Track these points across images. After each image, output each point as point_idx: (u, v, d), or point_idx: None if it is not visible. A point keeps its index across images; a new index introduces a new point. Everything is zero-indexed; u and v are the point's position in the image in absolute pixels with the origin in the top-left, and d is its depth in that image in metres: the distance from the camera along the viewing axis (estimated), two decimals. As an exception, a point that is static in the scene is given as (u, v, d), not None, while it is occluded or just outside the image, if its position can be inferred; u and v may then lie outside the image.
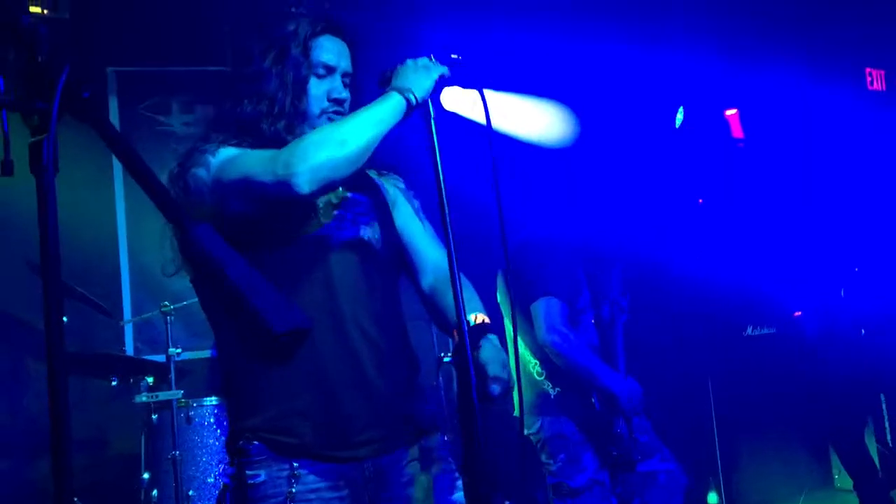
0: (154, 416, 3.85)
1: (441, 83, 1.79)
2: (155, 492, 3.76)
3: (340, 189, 1.86)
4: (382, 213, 1.95)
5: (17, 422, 4.41)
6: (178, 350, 4.00)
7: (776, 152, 5.63)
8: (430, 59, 1.80)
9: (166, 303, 3.99)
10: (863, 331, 3.96)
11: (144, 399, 3.86)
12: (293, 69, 1.85)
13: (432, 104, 1.78)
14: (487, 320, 1.82)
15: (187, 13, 4.35)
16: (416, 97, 1.75)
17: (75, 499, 3.59)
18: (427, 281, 1.96)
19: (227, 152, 1.76)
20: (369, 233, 1.87)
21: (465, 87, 1.84)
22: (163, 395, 3.85)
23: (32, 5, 4.01)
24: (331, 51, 1.91)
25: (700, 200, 5.43)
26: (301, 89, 1.86)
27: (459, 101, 4.11)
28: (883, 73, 5.84)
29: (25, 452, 4.35)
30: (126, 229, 4.74)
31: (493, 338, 1.78)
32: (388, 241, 1.92)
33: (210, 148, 1.77)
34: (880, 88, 5.83)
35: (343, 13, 2.01)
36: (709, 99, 5.80)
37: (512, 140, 4.66)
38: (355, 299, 1.81)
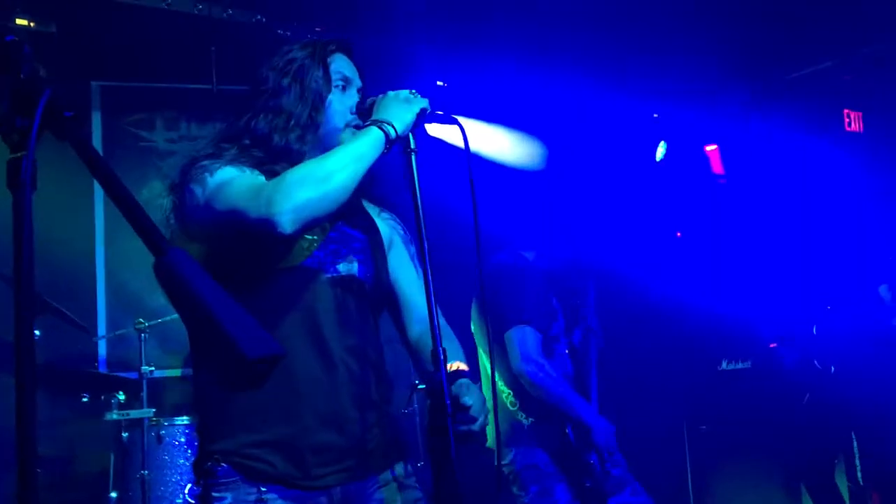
0: (124, 434, 3.81)
1: (422, 116, 1.80)
2: (122, 511, 3.72)
3: (340, 222, 1.87)
4: (376, 252, 1.96)
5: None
6: (152, 368, 3.98)
7: (755, 189, 5.71)
8: (412, 93, 1.82)
9: (141, 320, 3.97)
10: (832, 368, 4.00)
11: (115, 417, 3.82)
12: (312, 83, 1.88)
13: (414, 137, 1.79)
14: (465, 368, 1.83)
15: (174, 31, 4.36)
16: (396, 131, 1.75)
17: (40, 516, 3.52)
18: (415, 330, 1.98)
19: (224, 174, 1.75)
20: (361, 270, 1.88)
21: (445, 122, 1.85)
22: (134, 414, 3.81)
23: (19, 18, 4.00)
24: (346, 66, 1.96)
25: (678, 234, 5.49)
26: (320, 102, 1.88)
27: (441, 127, 4.14)
28: (860, 114, 5.95)
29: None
30: (104, 246, 4.71)
31: (470, 383, 1.79)
32: (378, 280, 1.93)
33: (211, 167, 1.77)
34: (857, 130, 5.93)
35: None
36: (690, 134, 5.89)
37: (491, 166, 4.70)
38: (338, 333, 1.81)
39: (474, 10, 4.44)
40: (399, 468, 1.91)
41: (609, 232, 3.43)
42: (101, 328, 4.64)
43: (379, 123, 1.76)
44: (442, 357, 1.59)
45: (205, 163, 1.79)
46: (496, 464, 3.04)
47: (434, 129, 4.38)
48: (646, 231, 5.42)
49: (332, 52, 1.94)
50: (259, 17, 4.28)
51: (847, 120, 5.94)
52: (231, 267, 1.72)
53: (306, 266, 1.80)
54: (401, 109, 1.78)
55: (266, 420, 1.75)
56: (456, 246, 2.44)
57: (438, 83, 1.77)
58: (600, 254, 3.68)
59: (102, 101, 4.86)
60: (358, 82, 1.98)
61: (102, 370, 4.53)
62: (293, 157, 1.85)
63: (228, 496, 1.72)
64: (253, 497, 1.71)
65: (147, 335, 4.00)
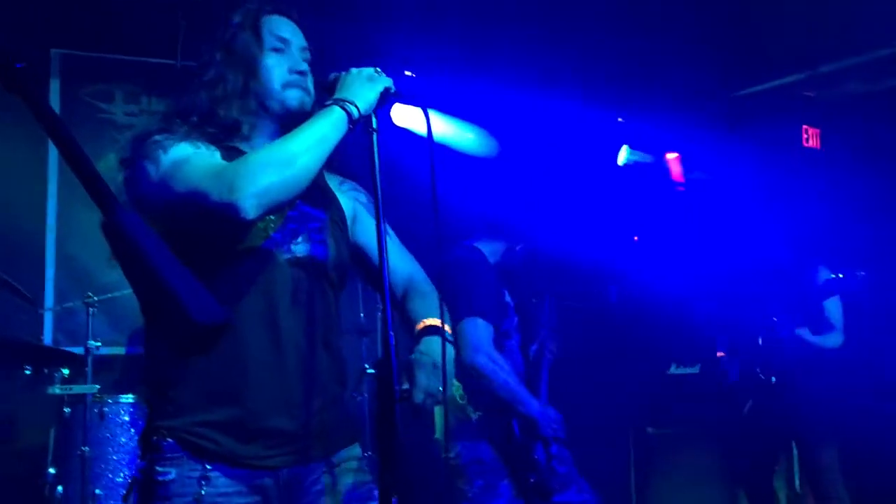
0: (66, 410, 3.73)
1: (386, 96, 1.77)
2: (60, 488, 3.64)
3: (299, 201, 1.82)
4: (338, 230, 1.92)
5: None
6: (98, 343, 3.90)
7: (713, 198, 5.79)
8: (376, 71, 1.79)
9: (90, 294, 3.89)
10: (773, 379, 4.07)
11: (58, 391, 3.75)
12: (243, 49, 1.85)
13: (376, 117, 1.76)
14: (436, 323, 1.83)
15: (142, 2, 4.28)
16: (358, 110, 1.72)
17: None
18: (399, 293, 1.98)
19: (179, 151, 1.71)
20: (320, 250, 1.85)
21: (409, 103, 1.82)
22: (77, 389, 3.74)
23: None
24: (283, 26, 1.91)
25: (636, 238, 5.54)
26: (253, 66, 1.84)
27: (406, 116, 4.13)
28: (819, 131, 6.06)
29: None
30: (56, 215, 4.60)
31: (435, 341, 1.80)
32: (339, 260, 1.90)
33: (165, 143, 1.72)
34: (815, 146, 6.04)
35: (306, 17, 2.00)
36: (653, 141, 5.95)
37: (456, 157, 4.70)
38: (294, 316, 1.78)
39: (443, 5, 4.43)
40: (348, 452, 1.89)
41: (567, 232, 3.43)
42: (49, 300, 4.53)
43: (341, 103, 1.72)
44: (392, 342, 1.58)
45: (158, 138, 1.74)
46: (443, 455, 3.04)
47: (400, 118, 4.36)
48: (604, 233, 5.46)
49: (268, 13, 1.90)
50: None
51: (805, 136, 6.06)
52: (185, 247, 1.67)
53: (264, 248, 1.76)
54: (364, 88, 1.75)
55: (215, 401, 1.72)
56: (417, 237, 2.43)
57: (406, 73, 1.74)
58: (557, 254, 3.69)
59: (62, 69, 4.74)
60: (301, 41, 1.92)
61: (47, 343, 4.43)
62: (243, 129, 1.83)
63: (173, 471, 1.69)
64: (197, 473, 1.69)
65: (95, 310, 3.92)
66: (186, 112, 1.83)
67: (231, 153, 1.79)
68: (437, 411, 3.12)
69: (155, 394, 1.78)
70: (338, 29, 4.12)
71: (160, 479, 1.69)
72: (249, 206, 1.58)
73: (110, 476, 3.68)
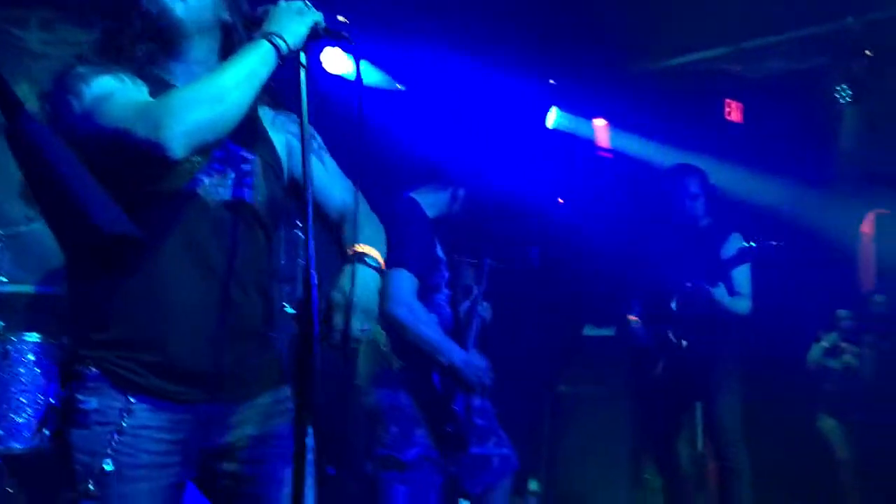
0: (-32, 347, 3.59)
1: (316, 32, 1.73)
2: (-42, 426, 3.51)
3: (228, 141, 1.77)
4: (270, 171, 1.87)
5: None
6: (4, 280, 3.75)
7: (636, 165, 5.90)
8: (306, 4, 1.74)
9: (-3, 227, 3.73)
10: (684, 343, 4.19)
11: (-41, 328, 3.59)
12: None
13: (306, 53, 1.72)
14: (366, 251, 1.78)
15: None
16: (287, 45, 1.68)
17: None
18: (334, 219, 1.95)
19: (102, 84, 1.64)
20: (249, 193, 1.80)
21: (342, 46, 1.79)
22: (-21, 326, 3.59)
23: None
24: None
25: (560, 200, 5.60)
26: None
27: (338, 61, 4.06)
28: (741, 106, 6.21)
29: None
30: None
31: (358, 270, 1.77)
32: (270, 202, 1.85)
33: (86, 74, 1.65)
34: (737, 120, 6.20)
35: None
36: (582, 105, 6.00)
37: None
38: (223, 259, 1.74)
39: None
40: (277, 393, 1.87)
41: (495, 191, 3.42)
42: (-49, 234, 4.32)
43: (269, 36, 1.68)
44: (314, 280, 1.55)
45: (81, 70, 1.67)
46: (361, 400, 3.04)
47: (330, 64, 4.28)
48: (531, 195, 5.50)
49: None
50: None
51: (727, 109, 6.20)
52: (110, 187, 1.60)
53: (189, 190, 1.71)
54: (293, 22, 1.70)
55: (140, 341, 1.69)
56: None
57: (339, 18, 1.70)
58: (487, 213, 3.68)
59: (-29, -9, 4.48)
60: None
61: (-51, 278, 4.23)
62: (167, 66, 1.78)
63: (94, 400, 1.65)
64: (119, 404, 1.66)
65: (2, 245, 3.76)
66: (107, 48, 1.75)
67: (159, 87, 1.73)
68: (362, 356, 3.11)
69: (78, 322, 1.74)
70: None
71: (81, 407, 1.66)
72: (177, 145, 1.54)
73: (13, 416, 3.56)
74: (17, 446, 3.54)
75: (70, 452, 1.65)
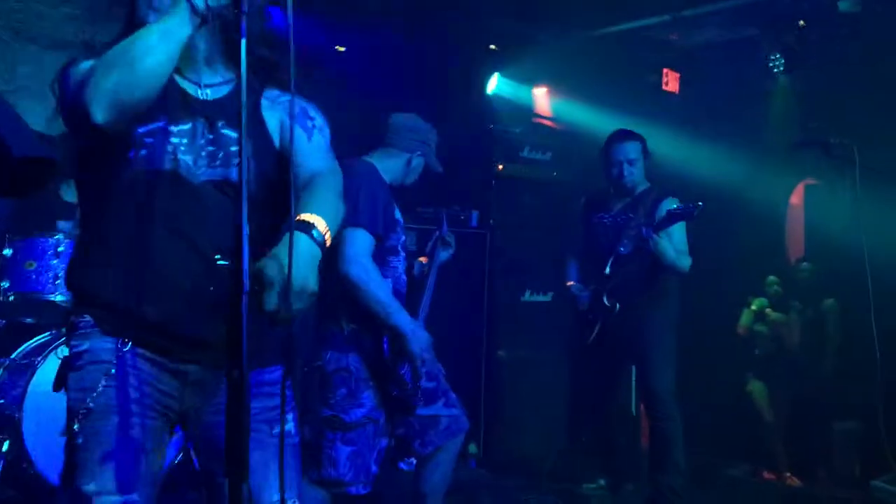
0: None
1: None
2: None
3: (220, 123, 1.82)
4: (262, 149, 1.88)
5: None
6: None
7: (575, 133, 5.93)
8: None
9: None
10: (617, 306, 4.25)
11: None
12: None
13: (241, 9, 1.67)
14: (316, 220, 1.72)
15: None
16: (205, 2, 1.68)
17: None
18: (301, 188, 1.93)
19: (82, 67, 1.71)
20: (236, 173, 1.79)
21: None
22: None
23: None
24: None
25: (500, 167, 5.61)
26: None
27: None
28: (678, 76, 6.28)
29: None
30: None
31: (296, 239, 1.71)
32: (262, 181, 1.86)
33: (78, 60, 1.74)
34: (673, 90, 6.27)
35: None
36: (523, 72, 6.00)
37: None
38: (212, 239, 1.77)
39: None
40: (267, 373, 1.89)
41: (439, 157, 3.41)
42: None
43: None
44: (246, 231, 1.52)
45: (75, 57, 1.77)
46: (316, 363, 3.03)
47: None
48: (469, 163, 5.50)
49: None
50: None
51: (665, 79, 6.27)
52: (95, 167, 1.71)
53: (171, 171, 1.76)
54: None
55: (130, 304, 1.75)
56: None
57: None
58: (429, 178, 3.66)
59: None
60: None
61: None
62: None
63: (86, 343, 1.74)
64: (110, 345, 1.73)
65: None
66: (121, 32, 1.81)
67: None
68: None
69: (76, 282, 1.83)
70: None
71: (75, 350, 1.75)
72: (97, 109, 1.58)
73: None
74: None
75: (67, 395, 1.74)
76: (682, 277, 4.24)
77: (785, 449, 5.56)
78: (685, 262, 4.15)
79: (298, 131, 1.92)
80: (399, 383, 3.04)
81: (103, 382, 1.70)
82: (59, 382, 1.78)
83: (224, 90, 1.89)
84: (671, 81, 6.30)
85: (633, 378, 5.09)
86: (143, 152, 1.74)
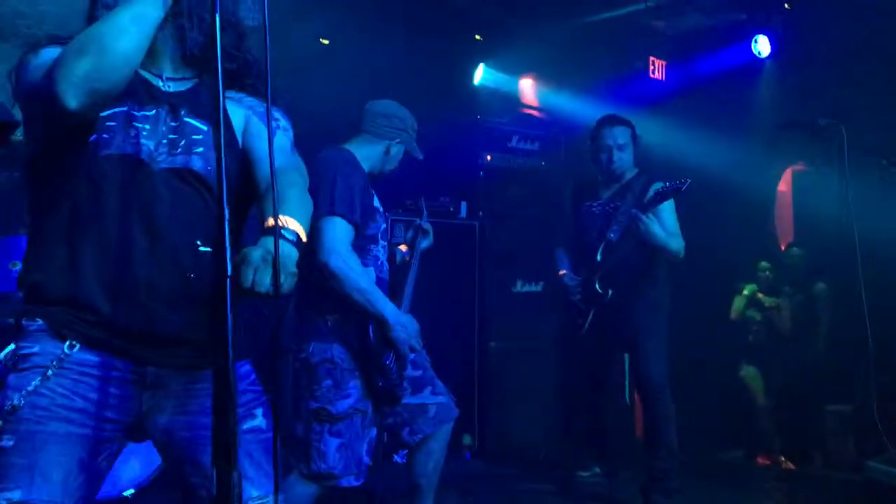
0: None
1: None
2: None
3: (183, 111, 1.80)
4: (226, 144, 1.73)
5: None
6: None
7: (563, 121, 5.92)
8: None
9: None
10: (610, 291, 4.22)
11: None
12: None
13: None
14: (289, 222, 1.69)
15: None
16: None
17: None
18: (262, 189, 1.89)
19: (46, 53, 1.67)
20: (199, 162, 1.79)
21: None
22: None
23: None
24: None
25: (489, 157, 5.59)
26: None
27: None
28: (664, 63, 6.28)
29: None
30: None
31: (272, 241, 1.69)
32: (226, 170, 1.76)
33: (39, 48, 1.71)
34: (660, 78, 6.27)
35: None
36: (509, 62, 5.98)
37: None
38: (175, 228, 1.74)
39: None
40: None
41: (426, 149, 3.38)
42: None
43: None
44: (226, 215, 1.49)
45: (36, 47, 1.72)
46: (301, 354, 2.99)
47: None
48: (456, 154, 5.48)
49: None
50: None
51: (652, 67, 6.26)
52: (51, 153, 1.67)
53: (133, 156, 1.73)
54: None
55: (86, 297, 1.70)
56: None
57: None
58: (417, 170, 3.63)
59: None
60: None
61: None
62: None
63: (36, 346, 1.68)
64: (58, 350, 1.68)
65: None
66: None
67: None
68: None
69: (28, 287, 1.76)
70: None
71: (23, 353, 1.69)
72: (70, 97, 1.55)
73: None
74: None
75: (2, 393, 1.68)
76: (677, 261, 4.20)
77: (779, 432, 5.57)
78: (678, 244, 4.11)
79: (263, 129, 1.89)
80: (384, 373, 3.01)
81: (36, 382, 1.64)
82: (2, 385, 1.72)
83: (187, 84, 1.87)
84: (658, 69, 6.30)
85: (626, 366, 5.07)
86: (105, 136, 1.72)
